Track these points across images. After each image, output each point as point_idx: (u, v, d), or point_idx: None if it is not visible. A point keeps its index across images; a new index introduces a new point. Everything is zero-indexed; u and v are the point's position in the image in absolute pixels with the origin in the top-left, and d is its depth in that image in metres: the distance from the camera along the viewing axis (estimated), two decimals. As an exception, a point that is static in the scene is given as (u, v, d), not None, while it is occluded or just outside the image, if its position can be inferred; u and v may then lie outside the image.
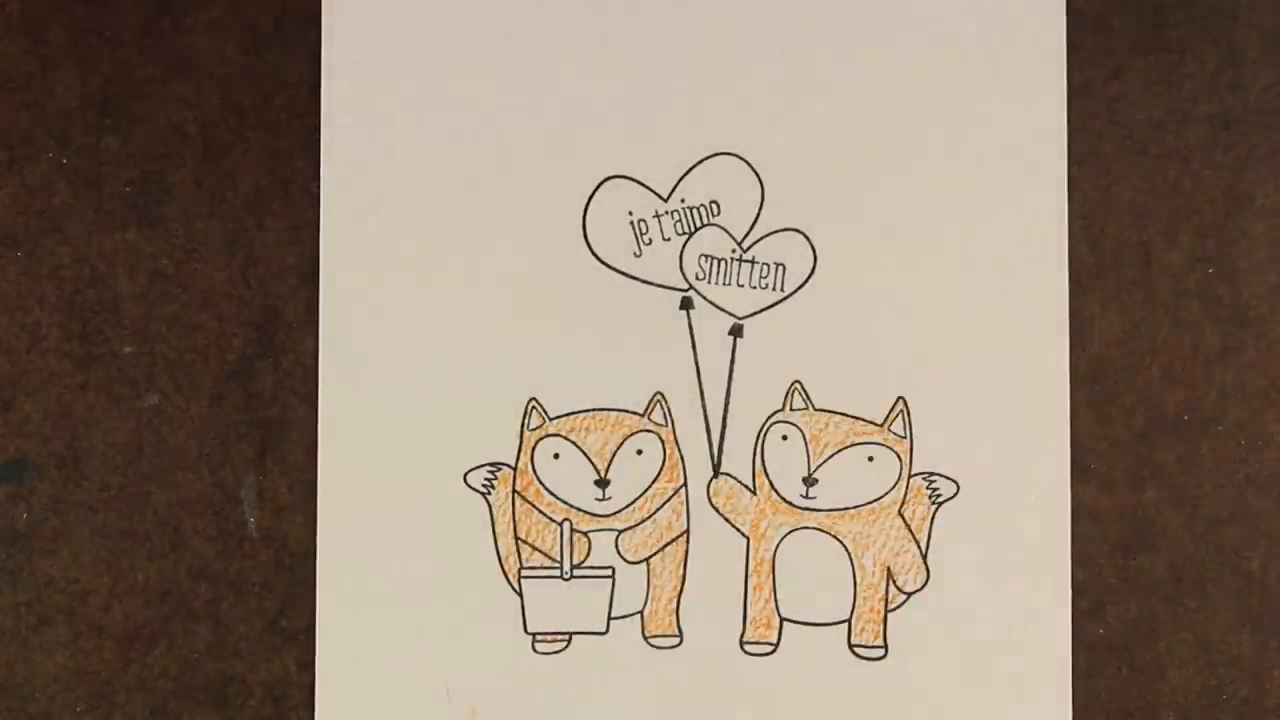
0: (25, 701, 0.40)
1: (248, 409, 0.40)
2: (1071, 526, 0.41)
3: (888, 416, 0.41)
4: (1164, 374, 0.41)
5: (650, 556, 0.40)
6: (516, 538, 0.40)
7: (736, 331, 0.41)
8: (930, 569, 0.40)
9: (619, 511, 0.40)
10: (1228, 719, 0.41)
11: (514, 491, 0.40)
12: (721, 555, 0.40)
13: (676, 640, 0.40)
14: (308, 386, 0.40)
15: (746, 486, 0.41)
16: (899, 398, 0.41)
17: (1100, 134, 0.42)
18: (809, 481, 0.41)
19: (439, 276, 0.40)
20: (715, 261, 0.41)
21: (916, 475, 0.41)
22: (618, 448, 0.40)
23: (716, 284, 0.41)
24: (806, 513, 0.41)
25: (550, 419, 0.40)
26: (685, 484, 0.41)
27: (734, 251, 0.41)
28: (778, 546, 0.40)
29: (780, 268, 0.41)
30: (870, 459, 0.41)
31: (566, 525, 0.40)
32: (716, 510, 0.41)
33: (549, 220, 0.41)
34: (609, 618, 0.40)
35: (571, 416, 0.40)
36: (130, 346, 0.40)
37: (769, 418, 0.41)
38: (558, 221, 0.41)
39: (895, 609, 0.41)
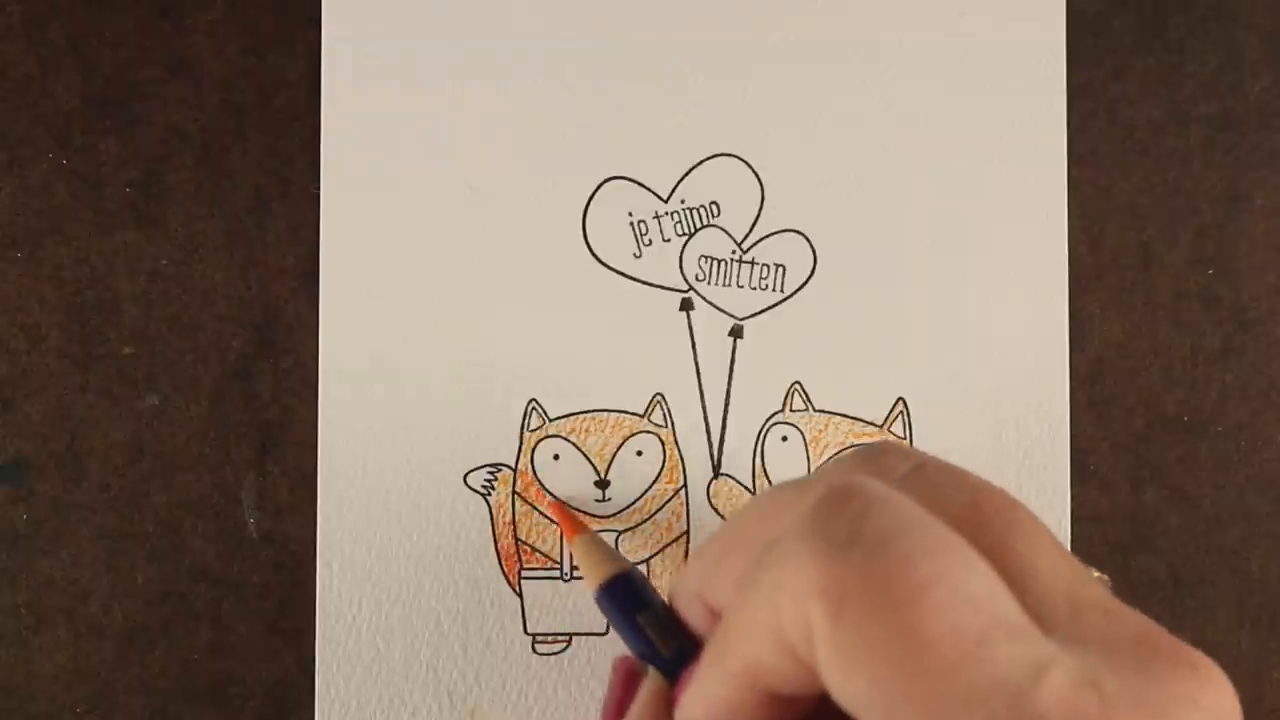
0: (25, 701, 0.40)
1: (248, 409, 0.40)
2: (1071, 527, 0.41)
3: (887, 417, 0.41)
4: (1164, 374, 0.41)
5: (650, 557, 0.40)
6: (516, 539, 0.40)
7: (736, 332, 0.41)
8: (930, 569, 0.40)
9: (619, 513, 0.40)
10: (1227, 719, 0.41)
11: (514, 492, 0.40)
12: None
13: (676, 641, 0.40)
14: (308, 386, 0.40)
15: (746, 488, 0.41)
16: (899, 399, 0.41)
17: (1100, 134, 0.42)
18: (809, 482, 0.41)
19: (439, 277, 0.40)
20: (715, 262, 0.41)
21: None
22: (618, 449, 0.40)
23: (716, 285, 0.41)
24: (806, 513, 0.40)
25: (550, 420, 0.40)
26: (685, 485, 0.41)
27: (734, 252, 0.41)
28: (778, 547, 0.40)
29: (780, 269, 0.41)
30: (870, 460, 0.41)
31: (566, 526, 0.40)
32: (716, 511, 0.41)
33: (549, 221, 0.41)
34: (609, 618, 0.40)
35: (571, 417, 0.41)
36: (130, 347, 0.40)
37: (769, 419, 0.41)
38: (558, 222, 0.41)
39: (895, 609, 0.40)
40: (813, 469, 0.41)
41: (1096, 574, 0.34)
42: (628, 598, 0.33)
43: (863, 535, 0.19)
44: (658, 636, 0.30)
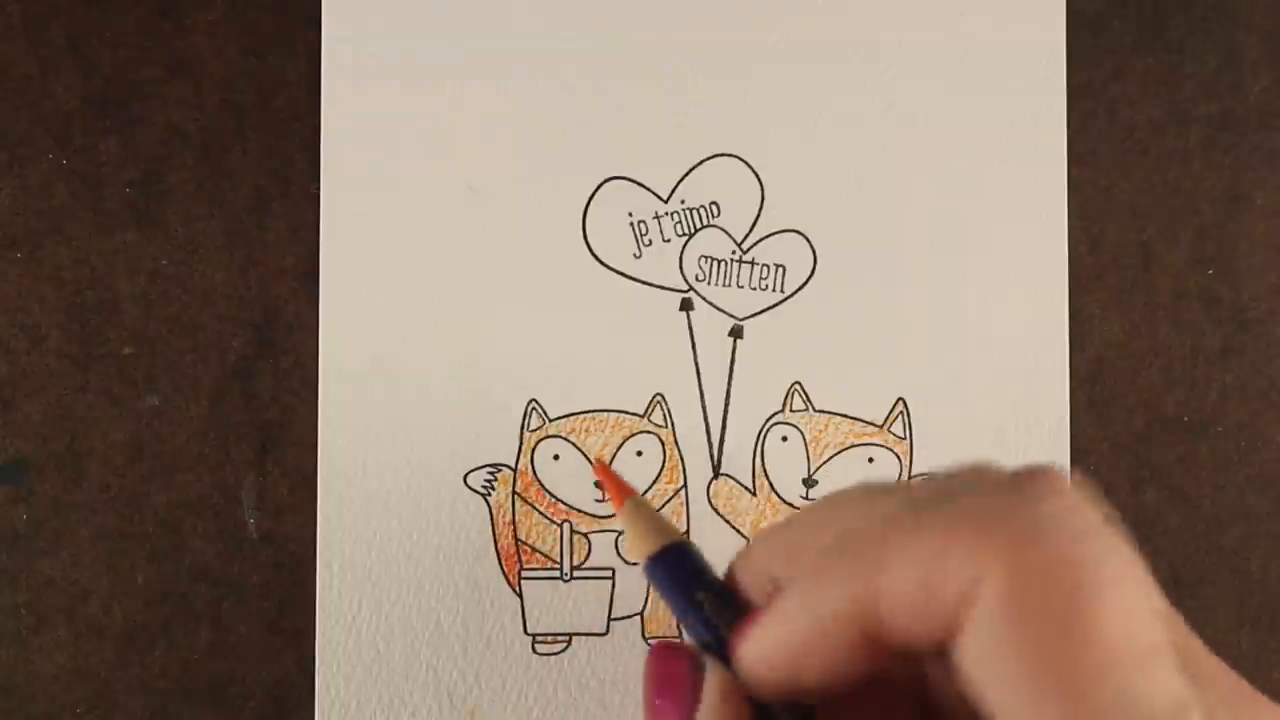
0: (25, 701, 0.40)
1: (248, 409, 0.40)
2: (1071, 527, 0.41)
3: (887, 417, 0.41)
4: (1164, 374, 0.41)
5: (650, 557, 0.40)
6: (516, 539, 0.40)
7: (736, 333, 0.41)
8: (930, 569, 0.40)
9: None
10: (1227, 719, 0.41)
11: (514, 493, 0.40)
12: (722, 556, 0.40)
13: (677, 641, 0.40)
14: (308, 386, 0.40)
15: (746, 488, 0.41)
16: (899, 399, 0.41)
17: (1100, 134, 0.42)
18: (809, 483, 0.41)
19: (439, 277, 0.40)
20: (715, 263, 0.41)
21: (916, 476, 0.41)
22: (618, 449, 0.40)
23: (716, 285, 0.41)
24: (806, 513, 0.41)
25: (550, 420, 0.40)
26: (685, 485, 0.41)
27: (734, 253, 0.41)
28: (778, 547, 0.40)
29: (780, 269, 0.41)
30: (870, 460, 0.41)
31: (566, 527, 0.40)
32: (716, 511, 0.41)
33: (549, 221, 0.41)
34: (609, 619, 0.40)
35: (571, 418, 0.41)
36: (130, 347, 0.40)
37: (769, 419, 0.41)
38: (558, 222, 0.41)
39: (895, 609, 0.40)
40: (813, 469, 0.41)
41: None
42: (682, 571, 0.28)
43: (1067, 517, 0.19)
44: (720, 617, 0.27)
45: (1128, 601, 0.18)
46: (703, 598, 0.27)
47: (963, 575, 0.19)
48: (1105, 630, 0.18)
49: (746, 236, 0.41)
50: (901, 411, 0.41)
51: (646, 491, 0.41)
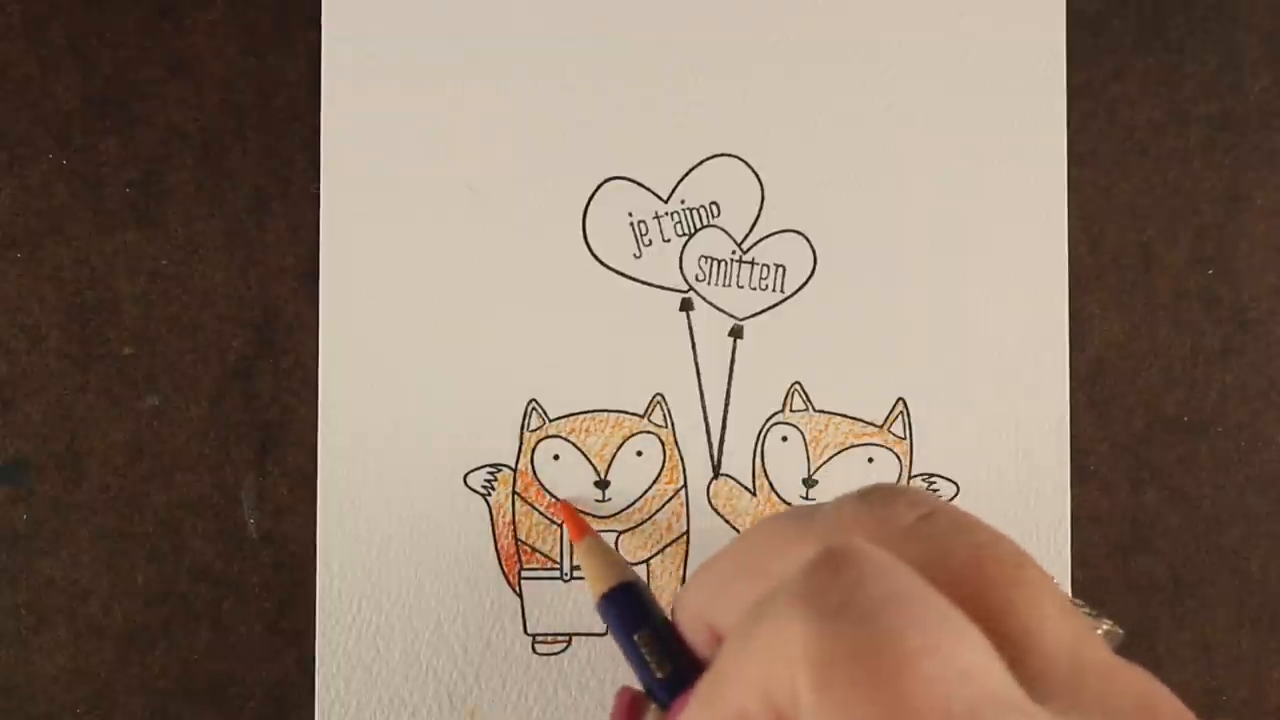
0: (25, 701, 0.40)
1: (248, 409, 0.40)
2: (1071, 528, 0.41)
3: (887, 418, 0.41)
4: (1164, 374, 0.41)
5: (650, 558, 0.40)
6: (516, 539, 0.40)
7: (736, 333, 0.41)
8: (930, 569, 0.40)
9: (619, 513, 0.40)
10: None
11: (514, 493, 0.40)
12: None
13: (676, 641, 0.40)
14: (308, 386, 0.40)
15: (746, 488, 0.41)
16: (899, 399, 0.41)
17: (1100, 134, 0.42)
18: (809, 483, 0.41)
19: (439, 277, 0.40)
20: (715, 263, 0.41)
21: (916, 476, 0.41)
22: (618, 449, 0.40)
23: (716, 285, 0.41)
24: (806, 513, 0.41)
25: (550, 420, 0.40)
26: (685, 485, 0.41)
27: (734, 253, 0.41)
28: (778, 547, 0.40)
29: (780, 269, 0.41)
30: (870, 460, 0.41)
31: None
32: (716, 511, 0.41)
33: (549, 221, 0.41)
34: (609, 618, 0.40)
35: (571, 418, 0.41)
36: (130, 347, 0.40)
37: (769, 419, 0.41)
38: (558, 222, 0.41)
39: (895, 609, 0.40)
40: (812, 469, 0.41)
41: (1107, 625, 0.34)
42: (629, 609, 0.32)
43: (854, 604, 0.19)
44: (653, 658, 0.29)
45: (930, 670, 0.18)
46: (639, 638, 0.28)
47: (784, 689, 0.19)
48: (916, 706, 0.18)
49: (746, 236, 0.41)
50: (901, 411, 0.41)
51: (647, 491, 0.41)
